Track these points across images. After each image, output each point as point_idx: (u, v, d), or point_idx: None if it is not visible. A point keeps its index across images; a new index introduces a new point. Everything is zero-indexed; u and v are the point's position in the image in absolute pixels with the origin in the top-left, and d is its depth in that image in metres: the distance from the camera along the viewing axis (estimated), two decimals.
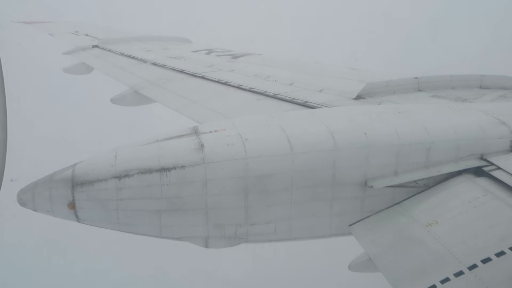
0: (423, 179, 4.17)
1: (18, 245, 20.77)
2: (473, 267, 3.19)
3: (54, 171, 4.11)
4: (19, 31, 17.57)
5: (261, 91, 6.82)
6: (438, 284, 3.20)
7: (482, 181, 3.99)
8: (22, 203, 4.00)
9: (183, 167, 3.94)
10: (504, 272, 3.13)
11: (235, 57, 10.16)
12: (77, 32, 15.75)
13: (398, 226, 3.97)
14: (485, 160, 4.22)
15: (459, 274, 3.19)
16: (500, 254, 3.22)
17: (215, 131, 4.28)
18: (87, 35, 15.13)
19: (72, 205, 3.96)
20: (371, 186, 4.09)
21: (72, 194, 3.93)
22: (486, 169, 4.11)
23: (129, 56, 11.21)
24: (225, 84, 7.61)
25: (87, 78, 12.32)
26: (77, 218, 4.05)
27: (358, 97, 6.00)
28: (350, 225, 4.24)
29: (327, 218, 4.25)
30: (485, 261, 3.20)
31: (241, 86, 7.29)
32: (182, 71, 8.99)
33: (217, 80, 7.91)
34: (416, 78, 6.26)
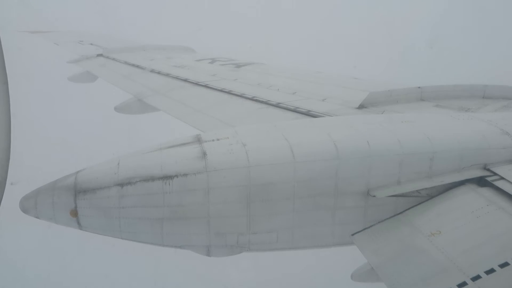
0: (426, 189, 4.15)
1: (19, 249, 20.79)
2: (476, 278, 3.17)
3: (57, 179, 4.13)
4: (25, 41, 17.76)
5: (264, 100, 6.84)
6: None
7: (485, 191, 3.97)
8: (24, 210, 4.01)
9: (185, 175, 3.94)
10: (508, 284, 3.11)
11: (238, 66, 10.22)
12: (82, 41, 15.90)
13: (401, 236, 3.95)
14: (488, 170, 4.20)
15: (462, 285, 3.16)
16: (504, 265, 3.19)
17: (218, 140, 4.29)
18: (92, 44, 15.27)
19: (74, 213, 3.96)
20: (374, 196, 4.07)
21: (75, 201, 3.94)
22: (489, 179, 4.09)
23: (133, 65, 11.29)
24: (229, 92, 7.65)
25: (92, 87, 12.43)
26: (79, 226, 4.05)
27: (361, 107, 6.01)
28: (352, 235, 4.22)
29: (329, 227, 4.23)
30: (489, 272, 3.18)
31: (244, 95, 7.32)
32: (185, 80, 9.05)
33: (220, 89, 7.95)
34: (419, 87, 6.27)
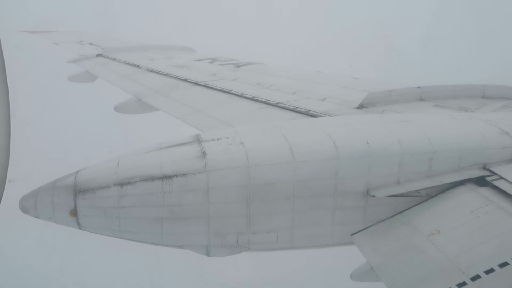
0: (425, 188, 4.15)
1: (17, 247, 20.79)
2: (476, 278, 3.17)
3: (56, 178, 4.12)
4: (25, 41, 17.74)
5: (264, 100, 6.84)
6: None
7: (485, 191, 3.98)
8: (24, 209, 4.01)
9: (185, 175, 3.94)
10: (507, 284, 3.11)
11: (238, 66, 10.22)
12: (81, 41, 15.89)
13: (400, 235, 3.95)
14: (488, 170, 4.20)
15: (462, 285, 3.17)
16: (503, 265, 3.19)
17: (218, 139, 4.29)
18: (91, 44, 15.26)
19: (74, 212, 3.96)
20: (373, 196, 4.07)
21: (74, 201, 3.94)
22: (488, 179, 4.09)
23: (133, 65, 11.29)
24: (228, 92, 7.65)
25: (91, 86, 12.41)
26: (79, 226, 4.05)
27: (361, 106, 6.00)
28: (352, 235, 4.22)
29: (329, 227, 4.23)
30: (488, 272, 3.18)
31: (244, 95, 7.32)
32: (185, 80, 9.04)
33: (220, 88, 7.95)
34: (418, 87, 6.27)
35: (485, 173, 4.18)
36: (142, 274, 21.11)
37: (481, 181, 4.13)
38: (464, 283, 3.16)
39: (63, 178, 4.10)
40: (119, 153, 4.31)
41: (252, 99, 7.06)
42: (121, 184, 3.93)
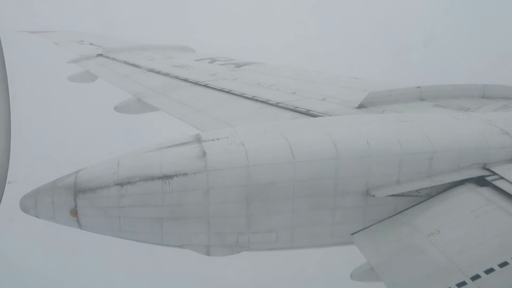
0: (425, 188, 4.15)
1: (17, 247, 20.80)
2: (476, 277, 3.17)
3: (56, 178, 4.13)
4: (25, 41, 17.75)
5: (264, 100, 6.84)
6: None
7: (485, 191, 3.98)
8: (24, 209, 4.01)
9: (185, 174, 3.94)
10: (507, 283, 3.11)
11: (238, 65, 10.22)
12: (82, 41, 15.90)
13: (400, 235, 3.95)
14: (488, 169, 4.20)
15: (462, 284, 3.17)
16: (503, 264, 3.20)
17: (218, 139, 4.29)
18: (91, 44, 15.28)
19: (74, 212, 3.96)
20: (373, 195, 4.07)
21: (75, 201, 3.94)
22: (488, 178, 4.09)
23: (133, 65, 11.29)
24: (228, 92, 7.65)
25: (92, 86, 12.42)
26: (79, 225, 4.05)
27: (361, 106, 6.01)
28: (352, 234, 4.22)
29: (329, 227, 4.23)
30: (488, 271, 3.18)
31: (244, 95, 7.32)
32: (185, 80, 9.04)
33: (220, 88, 7.96)
34: (418, 87, 6.27)
35: (485, 173, 4.18)
36: (142, 274, 21.12)
37: (481, 181, 4.13)
38: (464, 283, 3.16)
39: (63, 178, 4.10)
40: (119, 153, 4.31)
41: (252, 99, 7.06)
42: (121, 184, 3.94)
